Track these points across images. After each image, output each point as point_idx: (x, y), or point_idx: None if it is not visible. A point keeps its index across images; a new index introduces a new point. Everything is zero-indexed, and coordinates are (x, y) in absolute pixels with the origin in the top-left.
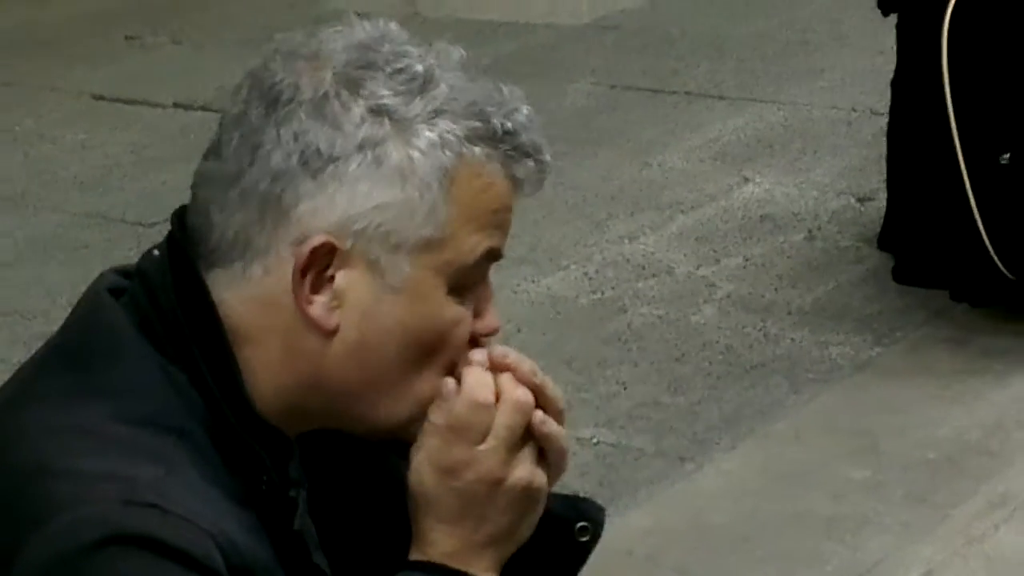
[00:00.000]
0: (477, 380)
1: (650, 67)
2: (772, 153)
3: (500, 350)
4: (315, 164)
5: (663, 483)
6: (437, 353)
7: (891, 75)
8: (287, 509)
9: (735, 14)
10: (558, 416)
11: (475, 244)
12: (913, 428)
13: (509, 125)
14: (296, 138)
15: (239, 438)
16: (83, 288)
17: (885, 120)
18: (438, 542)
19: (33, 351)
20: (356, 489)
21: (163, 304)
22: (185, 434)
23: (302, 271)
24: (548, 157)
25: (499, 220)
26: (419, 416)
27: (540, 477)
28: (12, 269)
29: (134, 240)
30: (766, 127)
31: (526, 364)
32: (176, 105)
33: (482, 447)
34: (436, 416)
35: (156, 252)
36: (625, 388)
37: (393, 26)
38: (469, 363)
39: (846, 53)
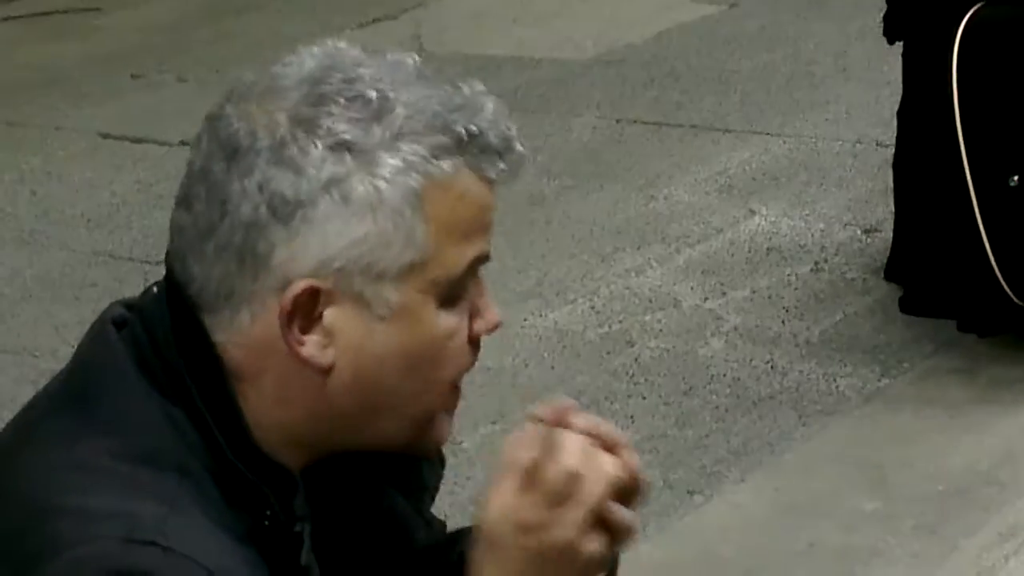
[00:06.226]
0: (572, 448)
1: (655, 101)
2: (778, 185)
3: (608, 429)
4: (284, 211)
5: (672, 516)
6: (437, 366)
7: (895, 107)
8: (292, 545)
9: (739, 48)
10: (640, 496)
11: (460, 255)
12: (922, 459)
13: (473, 128)
14: (260, 189)
15: (240, 475)
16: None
17: (890, 152)
18: None
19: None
20: (358, 522)
21: (160, 343)
22: (186, 472)
23: (288, 317)
24: (520, 148)
25: (480, 223)
26: (427, 427)
27: (607, 549)
28: (20, 307)
29: (141, 278)
30: (772, 160)
31: (635, 456)
32: (182, 143)
33: (562, 511)
34: (518, 453)
35: (155, 289)
36: (633, 421)
37: (343, 46)
38: (577, 428)
39: (851, 86)
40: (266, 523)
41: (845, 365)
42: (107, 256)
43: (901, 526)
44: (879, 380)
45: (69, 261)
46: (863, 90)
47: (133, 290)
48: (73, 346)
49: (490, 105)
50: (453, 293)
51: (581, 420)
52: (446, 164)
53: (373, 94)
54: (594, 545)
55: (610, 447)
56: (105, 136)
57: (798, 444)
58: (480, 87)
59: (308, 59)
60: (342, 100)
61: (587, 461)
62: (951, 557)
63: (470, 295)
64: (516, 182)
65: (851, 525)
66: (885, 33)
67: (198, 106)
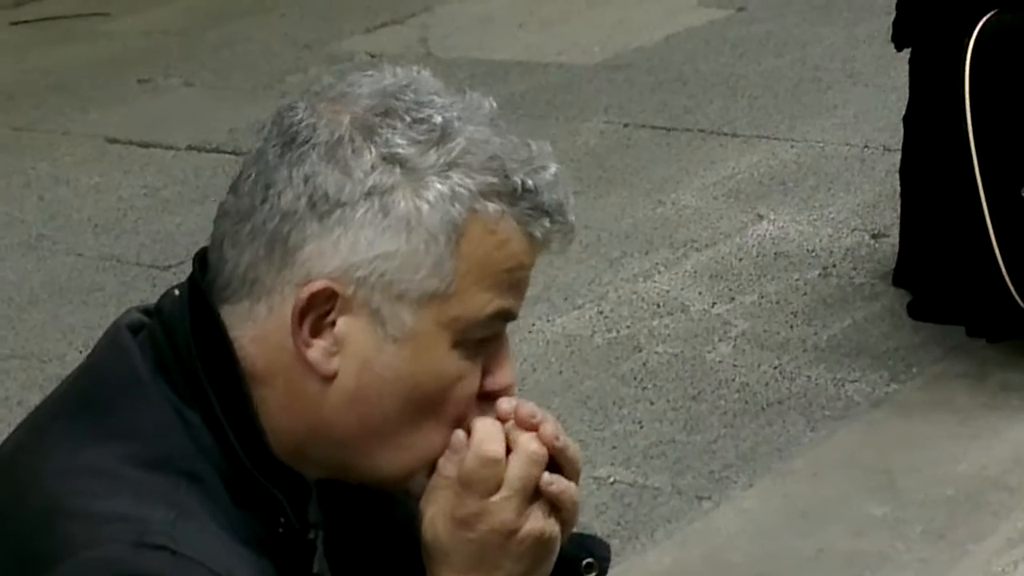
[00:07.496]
0: (486, 434)
1: (663, 105)
2: (786, 190)
3: (528, 409)
4: (322, 207)
5: (680, 522)
6: (439, 408)
7: (904, 111)
8: (305, 552)
9: (747, 52)
10: (575, 477)
11: (485, 302)
12: (931, 464)
13: (530, 183)
14: (306, 180)
15: (254, 480)
16: (99, 331)
17: (898, 156)
18: None
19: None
20: (372, 530)
21: (179, 344)
22: (196, 478)
23: (301, 314)
24: (571, 217)
25: (513, 279)
26: (420, 470)
27: (553, 527)
28: (27, 312)
29: (149, 282)
30: (779, 164)
31: (550, 426)
32: (190, 147)
33: (495, 498)
34: (446, 468)
35: (176, 292)
36: (641, 427)
37: (426, 74)
38: (497, 413)
39: (859, 90)
40: (280, 530)
41: (854, 370)
42: (114, 261)
43: (910, 531)
44: (888, 385)
45: (76, 266)
46: (871, 94)
47: (140, 295)
48: (80, 351)
49: (552, 168)
50: (470, 338)
51: (504, 404)
52: (492, 207)
53: (439, 119)
54: (536, 523)
55: (529, 425)
56: (112, 141)
57: (807, 449)
58: (548, 148)
59: (388, 75)
60: (408, 118)
61: (499, 443)
62: (960, 562)
63: (489, 349)
64: (561, 253)
65: (860, 530)
66: (894, 39)
67: (205, 111)
